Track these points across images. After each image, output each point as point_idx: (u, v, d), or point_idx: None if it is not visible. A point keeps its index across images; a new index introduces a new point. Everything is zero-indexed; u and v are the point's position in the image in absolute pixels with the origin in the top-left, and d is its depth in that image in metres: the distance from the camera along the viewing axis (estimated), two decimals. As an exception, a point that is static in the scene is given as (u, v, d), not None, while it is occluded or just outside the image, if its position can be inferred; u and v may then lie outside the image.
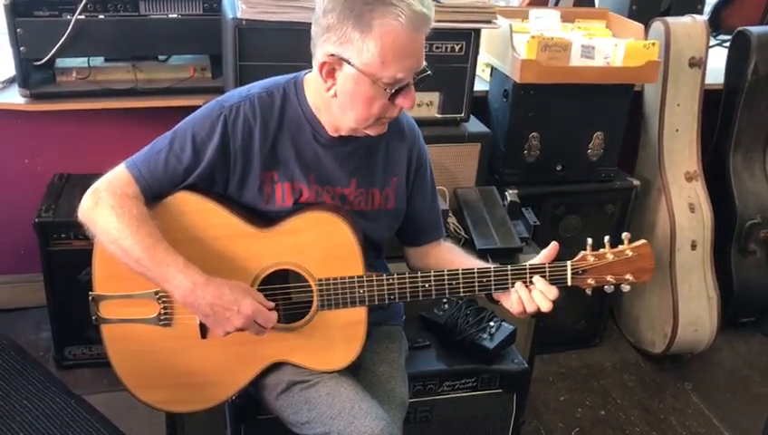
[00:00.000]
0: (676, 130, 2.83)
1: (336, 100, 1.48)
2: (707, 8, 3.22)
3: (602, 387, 2.78)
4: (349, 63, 1.41)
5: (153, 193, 1.52)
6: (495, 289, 1.56)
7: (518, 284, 1.53)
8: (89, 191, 1.50)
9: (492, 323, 1.95)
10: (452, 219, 2.34)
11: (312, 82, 1.55)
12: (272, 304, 1.51)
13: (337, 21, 1.39)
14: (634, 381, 2.83)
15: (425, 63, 1.46)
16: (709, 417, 2.67)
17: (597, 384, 2.80)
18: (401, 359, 1.76)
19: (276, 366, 1.61)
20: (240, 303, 1.44)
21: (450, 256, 1.75)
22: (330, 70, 1.45)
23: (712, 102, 2.94)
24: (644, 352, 2.97)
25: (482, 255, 2.22)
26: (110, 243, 1.46)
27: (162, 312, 1.56)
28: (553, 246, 1.55)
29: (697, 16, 2.80)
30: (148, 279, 1.47)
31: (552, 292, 1.51)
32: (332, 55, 1.42)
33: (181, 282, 1.43)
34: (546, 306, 1.51)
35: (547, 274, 1.53)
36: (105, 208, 1.46)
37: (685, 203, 2.83)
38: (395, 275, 1.54)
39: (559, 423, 2.58)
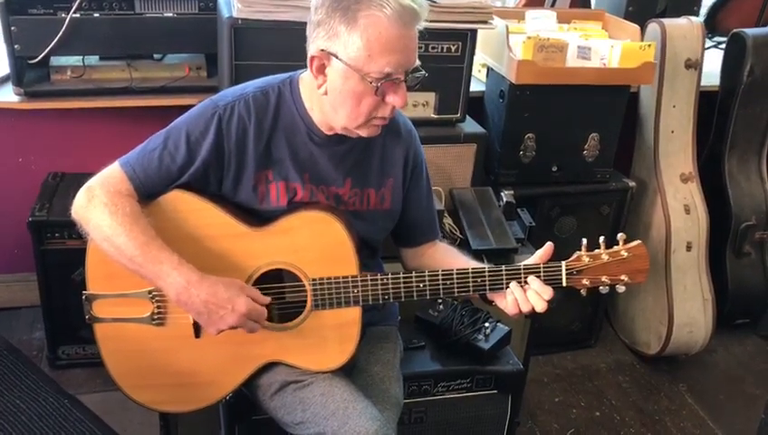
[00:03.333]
0: (672, 132, 2.83)
1: (327, 97, 1.47)
2: (703, 10, 3.22)
3: (597, 388, 2.78)
4: (336, 57, 1.41)
5: (147, 191, 1.51)
6: (490, 289, 1.55)
7: (513, 284, 1.53)
8: (82, 189, 1.49)
9: (487, 324, 1.95)
10: (447, 220, 2.34)
11: (307, 82, 1.55)
12: (267, 300, 1.51)
13: (325, 15, 1.39)
14: (629, 383, 2.83)
15: (418, 63, 1.45)
16: (704, 418, 2.67)
17: (591, 385, 2.80)
18: (396, 359, 1.76)
19: (270, 366, 1.60)
20: (234, 301, 1.44)
21: (446, 257, 1.74)
22: (319, 65, 1.44)
23: (707, 104, 2.95)
24: (639, 353, 2.97)
25: (477, 255, 2.21)
26: (104, 240, 1.46)
27: (155, 311, 1.55)
28: (548, 247, 1.55)
29: (693, 18, 2.81)
30: (141, 277, 1.46)
31: (548, 292, 1.51)
32: (322, 50, 1.42)
33: (175, 279, 1.43)
34: (541, 306, 1.51)
35: (542, 274, 1.53)
36: (98, 206, 1.46)
37: (680, 204, 2.83)
38: (389, 275, 1.54)
39: (553, 424, 2.58)
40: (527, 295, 1.52)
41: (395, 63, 1.40)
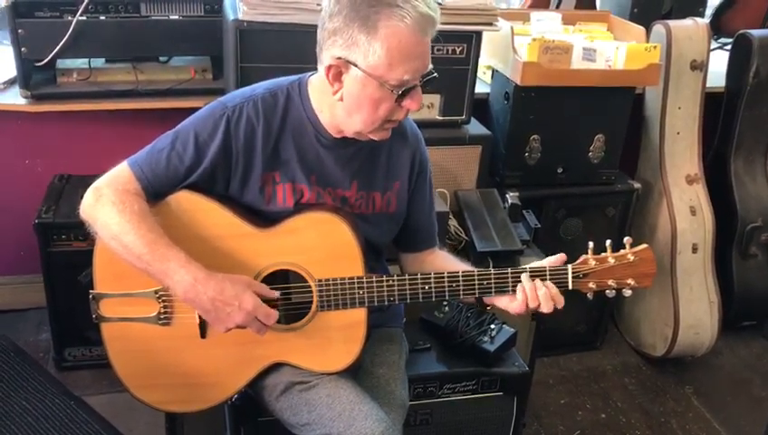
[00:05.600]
0: (678, 133, 2.83)
1: (342, 103, 1.48)
2: (709, 11, 3.22)
3: (603, 390, 2.78)
4: (355, 66, 1.41)
5: (154, 191, 1.52)
6: (495, 292, 1.55)
7: (524, 276, 1.52)
8: (90, 188, 1.50)
9: (492, 326, 1.95)
10: (453, 221, 2.34)
11: (316, 84, 1.55)
12: (275, 294, 1.51)
13: (343, 24, 1.39)
14: (635, 385, 2.83)
15: (431, 66, 1.46)
16: (710, 420, 2.66)
17: (597, 387, 2.79)
18: (401, 361, 1.76)
19: (275, 367, 1.61)
20: (241, 298, 1.44)
21: (445, 263, 1.73)
22: (336, 73, 1.44)
23: (713, 105, 2.94)
24: (645, 355, 2.96)
25: (482, 257, 2.22)
26: (111, 239, 1.46)
27: (162, 311, 1.56)
28: (561, 257, 1.56)
29: (699, 19, 2.80)
30: (149, 275, 1.46)
31: (560, 301, 1.52)
32: (339, 58, 1.42)
33: (182, 277, 1.43)
34: (548, 308, 1.51)
35: (548, 277, 1.53)
36: (106, 205, 1.46)
37: (686, 206, 2.82)
38: (395, 277, 1.54)
39: (559, 426, 2.57)
40: (538, 293, 1.51)
41: (413, 70, 1.42)
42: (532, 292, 1.52)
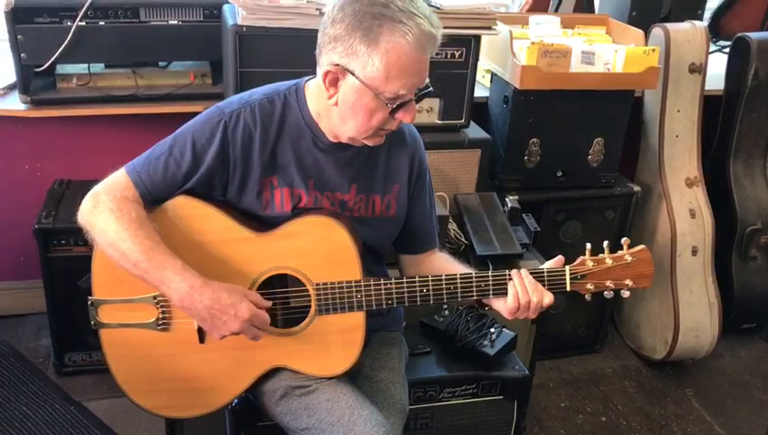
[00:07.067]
0: (677, 136, 2.83)
1: (337, 108, 1.49)
2: (707, 14, 3.22)
3: (603, 393, 2.78)
4: (353, 75, 1.42)
5: (152, 198, 1.52)
6: (494, 294, 1.55)
7: (514, 272, 1.53)
8: (88, 195, 1.51)
9: (492, 330, 1.95)
10: (452, 225, 2.34)
11: (313, 89, 1.56)
12: (268, 304, 1.51)
13: (345, 32, 1.40)
14: (635, 388, 2.83)
15: (427, 81, 1.47)
16: (710, 423, 2.66)
17: (598, 390, 2.79)
18: (401, 365, 1.76)
19: (274, 372, 1.61)
20: (237, 307, 1.45)
21: (444, 265, 1.73)
22: (333, 79, 1.45)
23: (712, 108, 2.94)
24: (645, 358, 2.96)
25: (482, 261, 2.22)
26: (109, 246, 1.47)
27: (160, 317, 1.56)
28: (558, 260, 1.56)
29: (697, 22, 2.81)
30: (145, 282, 1.47)
31: (548, 293, 1.51)
32: (337, 65, 1.43)
33: (178, 285, 1.44)
34: (538, 298, 1.50)
35: (546, 279, 1.53)
36: (104, 211, 1.47)
37: (685, 209, 2.82)
38: (393, 280, 1.54)
39: (560, 430, 2.57)
40: (525, 282, 1.51)
41: (410, 85, 1.43)
42: (521, 284, 1.51)
